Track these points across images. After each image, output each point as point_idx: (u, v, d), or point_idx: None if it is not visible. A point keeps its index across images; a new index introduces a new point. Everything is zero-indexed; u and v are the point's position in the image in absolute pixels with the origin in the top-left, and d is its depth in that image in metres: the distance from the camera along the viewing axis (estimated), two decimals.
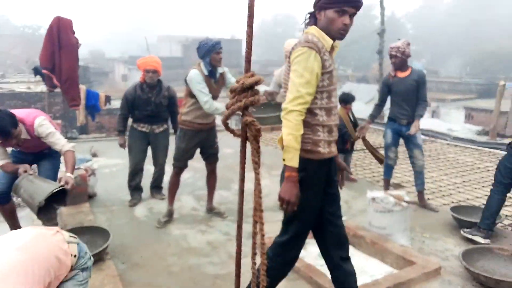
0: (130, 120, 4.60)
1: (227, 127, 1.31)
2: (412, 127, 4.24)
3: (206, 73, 3.67)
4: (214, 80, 3.75)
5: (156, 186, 4.75)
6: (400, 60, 4.29)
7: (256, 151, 1.27)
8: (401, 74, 4.37)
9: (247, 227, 3.86)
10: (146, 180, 4.74)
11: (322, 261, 3.31)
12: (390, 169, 4.70)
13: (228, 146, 7.37)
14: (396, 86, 4.40)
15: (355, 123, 5.41)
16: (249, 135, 1.26)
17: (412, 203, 3.63)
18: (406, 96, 4.35)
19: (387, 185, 4.76)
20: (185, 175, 5.44)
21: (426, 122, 16.07)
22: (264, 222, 1.32)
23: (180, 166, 3.99)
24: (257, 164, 1.28)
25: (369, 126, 4.62)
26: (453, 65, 46.33)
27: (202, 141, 3.93)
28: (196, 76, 3.64)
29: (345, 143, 5.30)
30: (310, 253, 3.43)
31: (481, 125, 18.61)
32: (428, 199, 4.83)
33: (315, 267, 3.04)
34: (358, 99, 5.85)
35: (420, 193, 4.46)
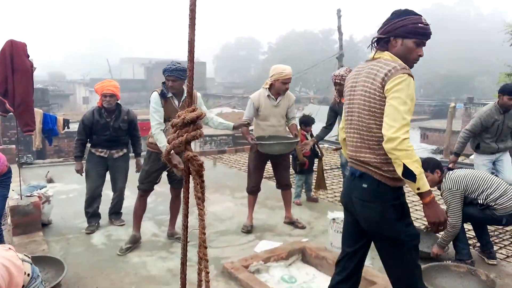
0: (88, 145, 4.49)
1: (169, 162, 1.30)
2: None
3: (167, 95, 3.68)
4: (178, 103, 3.74)
5: (115, 212, 4.60)
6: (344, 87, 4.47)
7: (200, 186, 1.27)
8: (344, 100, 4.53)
9: (211, 252, 3.81)
10: (105, 206, 4.59)
11: (285, 285, 3.33)
12: None
13: None
14: (342, 111, 4.54)
15: (314, 145, 5.52)
16: (191, 170, 1.25)
17: None
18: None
19: None
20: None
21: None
22: (208, 259, 1.30)
23: (144, 188, 3.90)
24: (200, 200, 1.27)
25: (312, 144, 4.89)
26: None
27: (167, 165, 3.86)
28: (152, 98, 3.68)
29: (304, 164, 5.37)
30: (273, 276, 3.41)
31: (435, 144, 19.47)
32: None
33: None
34: (319, 121, 5.98)
35: None
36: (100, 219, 4.51)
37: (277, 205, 5.04)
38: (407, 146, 1.89)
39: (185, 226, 1.33)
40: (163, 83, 3.70)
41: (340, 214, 3.66)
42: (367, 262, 3.51)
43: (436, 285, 3.07)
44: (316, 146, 5.33)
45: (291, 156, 5.34)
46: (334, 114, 4.80)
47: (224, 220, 4.69)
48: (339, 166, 7.52)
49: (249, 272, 3.30)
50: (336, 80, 4.54)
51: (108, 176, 4.51)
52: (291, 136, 4.33)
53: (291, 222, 4.53)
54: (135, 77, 43.18)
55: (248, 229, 4.33)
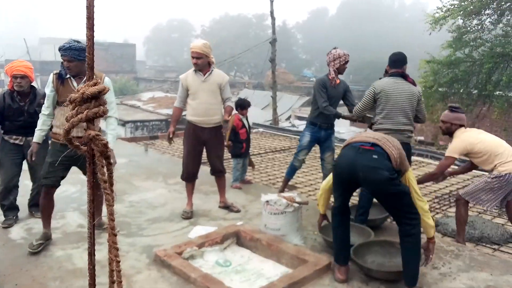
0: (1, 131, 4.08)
1: (70, 143, 1.16)
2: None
3: (64, 76, 3.38)
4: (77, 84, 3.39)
5: (35, 203, 4.25)
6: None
7: (106, 168, 1.14)
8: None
9: (143, 240, 3.68)
10: (23, 198, 4.23)
11: (220, 269, 3.31)
12: (294, 171, 4.85)
13: (120, 155, 6.98)
14: (336, 93, 4.55)
15: (249, 127, 5.54)
16: (95, 151, 1.12)
17: (303, 203, 3.79)
18: (335, 101, 4.59)
19: (285, 184, 4.89)
20: (71, 189, 5.01)
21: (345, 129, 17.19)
22: (118, 247, 1.21)
23: (47, 184, 3.41)
24: (106, 183, 1.15)
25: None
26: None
27: (75, 155, 3.55)
28: (49, 78, 3.42)
29: (241, 148, 5.37)
30: (208, 261, 3.38)
31: (364, 127, 20.50)
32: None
33: (212, 276, 2.99)
34: (254, 105, 5.97)
35: None
36: (18, 212, 4.15)
37: (212, 190, 4.99)
38: None
39: (91, 212, 1.20)
40: (62, 63, 3.36)
41: (273, 197, 3.70)
42: (300, 242, 3.61)
43: (367, 261, 3.21)
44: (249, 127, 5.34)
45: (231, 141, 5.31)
46: (325, 89, 4.48)
47: (156, 207, 4.54)
48: (273, 151, 7.64)
49: (182, 258, 3.23)
50: (348, 59, 4.49)
51: (25, 165, 4.14)
52: (226, 119, 4.20)
53: (226, 206, 4.51)
54: (57, 58, 40.30)
55: (188, 215, 4.24)
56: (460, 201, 4.04)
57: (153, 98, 27.23)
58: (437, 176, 4.20)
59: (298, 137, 5.70)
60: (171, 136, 4.25)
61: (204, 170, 5.56)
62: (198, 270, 3.05)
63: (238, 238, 3.76)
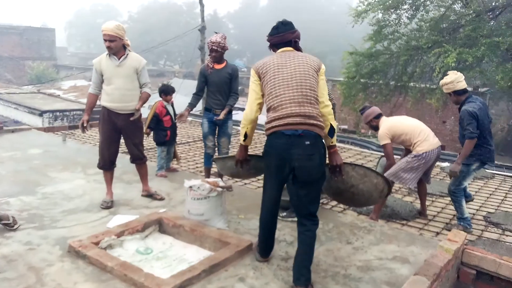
0: None
1: None
2: (221, 114, 4.56)
3: None
4: None
5: None
6: (220, 54, 4.54)
7: None
8: (217, 66, 4.60)
9: (57, 232, 3.47)
10: None
11: (140, 257, 3.24)
12: (210, 158, 4.87)
13: (34, 146, 6.52)
14: (212, 77, 4.60)
15: (175, 115, 5.44)
16: None
17: (226, 188, 3.82)
18: (220, 87, 4.60)
19: (207, 174, 4.91)
20: None
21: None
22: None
23: None
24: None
25: (187, 114, 4.72)
26: None
27: None
28: None
29: (165, 135, 5.25)
30: (127, 250, 3.28)
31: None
32: (245, 184, 5.19)
33: (130, 264, 2.91)
34: (184, 94, 5.85)
35: (222, 175, 4.65)
36: None
37: (135, 179, 4.84)
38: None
39: None
40: None
41: (196, 182, 3.68)
42: (223, 226, 3.64)
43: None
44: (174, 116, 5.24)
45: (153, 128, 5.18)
46: (204, 79, 4.71)
47: (73, 198, 4.31)
48: (201, 138, 7.58)
49: (99, 248, 3.10)
50: (213, 47, 4.50)
51: None
52: (137, 108, 4.01)
53: (149, 195, 4.41)
54: None
55: (108, 205, 4.06)
56: None
57: (74, 87, 25.67)
58: (393, 164, 4.45)
59: None
60: (85, 125, 4.01)
61: (128, 159, 5.38)
62: (116, 259, 2.96)
63: (161, 226, 3.70)
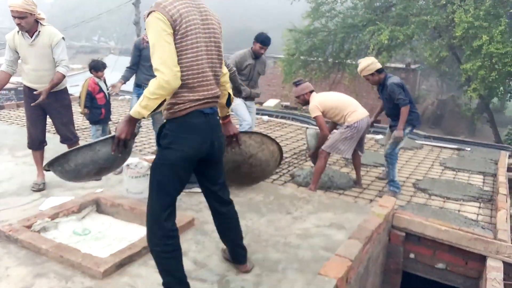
0: None
1: None
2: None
3: None
4: None
5: None
6: None
7: None
8: None
9: None
10: None
11: (78, 238, 3.13)
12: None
13: None
14: (147, 51, 4.43)
15: (108, 93, 5.22)
16: None
17: None
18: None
19: None
20: None
21: None
22: None
23: None
24: None
25: (120, 85, 4.64)
26: None
27: None
28: None
29: (100, 114, 5.03)
30: (63, 232, 3.16)
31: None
32: None
33: (67, 245, 2.80)
34: (121, 71, 5.56)
35: None
36: None
37: None
38: None
39: None
40: None
41: (134, 160, 3.59)
42: None
43: None
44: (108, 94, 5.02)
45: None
46: (139, 53, 4.63)
47: (1, 181, 4.03)
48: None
49: (32, 231, 2.95)
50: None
51: None
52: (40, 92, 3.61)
53: None
54: None
55: (40, 187, 3.85)
56: (322, 154, 4.54)
57: None
58: (327, 135, 4.57)
59: None
60: None
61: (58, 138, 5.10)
62: (50, 241, 2.83)
63: (98, 206, 3.58)
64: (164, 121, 2.20)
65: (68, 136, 4.06)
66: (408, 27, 12.02)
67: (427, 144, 7.54)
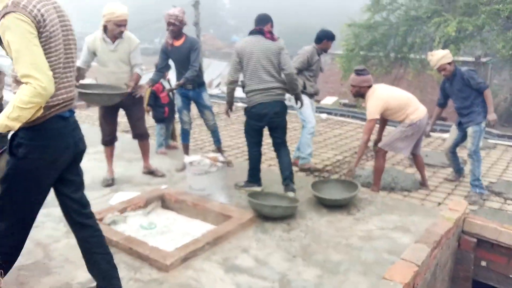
0: None
1: None
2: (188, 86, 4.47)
3: None
4: None
5: None
6: (178, 28, 4.30)
7: None
8: (176, 43, 4.39)
9: (60, 210, 3.49)
10: None
11: (145, 232, 3.28)
12: (187, 134, 4.78)
13: None
14: (173, 54, 4.46)
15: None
16: None
17: (227, 163, 3.82)
18: (182, 64, 4.42)
19: (186, 150, 4.83)
20: None
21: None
22: None
23: None
24: None
25: (147, 87, 4.49)
26: None
27: None
28: None
29: (163, 112, 5.22)
30: (131, 226, 3.32)
31: None
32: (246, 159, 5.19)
33: (135, 238, 2.95)
34: None
35: (219, 149, 4.74)
36: None
37: (135, 157, 4.84)
38: None
39: None
40: None
41: (196, 157, 3.69)
42: (225, 200, 3.66)
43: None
44: (171, 93, 5.19)
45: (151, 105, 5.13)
46: (166, 57, 4.52)
47: None
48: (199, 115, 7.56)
49: (104, 224, 3.13)
50: (170, 20, 4.24)
51: None
52: (130, 84, 3.95)
53: (150, 172, 4.42)
54: None
55: (109, 182, 4.10)
56: (379, 153, 4.37)
57: None
58: (367, 140, 4.25)
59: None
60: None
61: (127, 137, 5.38)
62: (120, 233, 3.00)
63: (163, 201, 3.73)
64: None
65: (141, 131, 4.31)
66: (477, 18, 11.23)
67: (501, 144, 7.00)
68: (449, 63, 4.45)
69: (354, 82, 4.34)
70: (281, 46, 3.69)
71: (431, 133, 5.39)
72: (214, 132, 4.72)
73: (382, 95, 4.25)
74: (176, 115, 5.15)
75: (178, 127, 5.73)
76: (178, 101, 4.68)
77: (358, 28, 14.20)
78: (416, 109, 4.28)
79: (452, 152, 4.83)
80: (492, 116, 4.37)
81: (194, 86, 4.50)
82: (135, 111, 4.20)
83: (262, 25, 3.82)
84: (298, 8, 47.63)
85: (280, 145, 3.84)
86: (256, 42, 3.70)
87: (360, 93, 4.34)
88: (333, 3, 41.99)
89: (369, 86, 4.32)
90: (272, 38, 3.70)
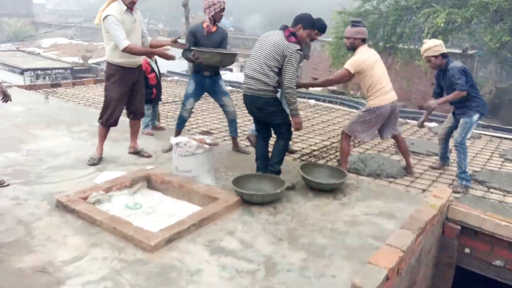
0: None
1: None
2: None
3: None
4: None
5: None
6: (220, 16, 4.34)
7: None
8: (213, 29, 4.34)
9: (43, 188, 3.43)
10: None
11: (130, 212, 3.24)
12: (184, 121, 4.65)
13: (16, 103, 6.33)
14: (204, 40, 4.31)
15: (159, 72, 5.31)
16: None
17: (213, 145, 3.77)
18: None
19: (177, 135, 4.73)
20: None
21: (234, 75, 17.11)
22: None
23: None
24: None
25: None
26: (256, 23, 49.95)
27: None
28: None
29: (151, 93, 5.13)
30: (116, 205, 3.27)
31: None
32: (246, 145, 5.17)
33: (120, 218, 2.90)
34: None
35: (234, 139, 4.72)
36: None
37: (122, 136, 4.76)
38: None
39: None
40: None
41: (183, 139, 3.63)
42: (212, 182, 3.63)
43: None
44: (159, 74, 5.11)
45: None
46: (194, 40, 4.29)
47: (58, 155, 4.23)
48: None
49: (88, 203, 3.08)
50: (224, 6, 4.23)
51: None
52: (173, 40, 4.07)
53: (136, 152, 4.35)
54: None
55: (95, 162, 4.01)
56: (342, 135, 4.37)
57: (55, 45, 24.75)
58: (330, 81, 4.46)
59: None
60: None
61: None
62: (105, 213, 2.95)
63: (149, 182, 3.68)
64: None
65: (143, 110, 4.39)
66: (466, 10, 11.29)
67: (485, 134, 7.10)
68: (435, 56, 4.30)
69: (348, 34, 4.20)
70: (289, 49, 3.52)
71: (425, 123, 5.39)
72: (233, 122, 4.63)
73: (368, 56, 4.15)
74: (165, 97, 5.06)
75: (161, 109, 5.65)
76: (190, 87, 4.46)
77: (348, 16, 14.13)
78: (379, 96, 4.16)
79: (444, 139, 4.86)
80: (432, 103, 4.32)
81: (211, 74, 4.42)
82: (141, 89, 4.26)
83: (294, 25, 3.71)
84: None
85: (277, 136, 3.86)
86: (272, 34, 3.69)
87: (353, 45, 4.19)
88: None
89: (363, 40, 4.18)
90: (288, 38, 3.58)
